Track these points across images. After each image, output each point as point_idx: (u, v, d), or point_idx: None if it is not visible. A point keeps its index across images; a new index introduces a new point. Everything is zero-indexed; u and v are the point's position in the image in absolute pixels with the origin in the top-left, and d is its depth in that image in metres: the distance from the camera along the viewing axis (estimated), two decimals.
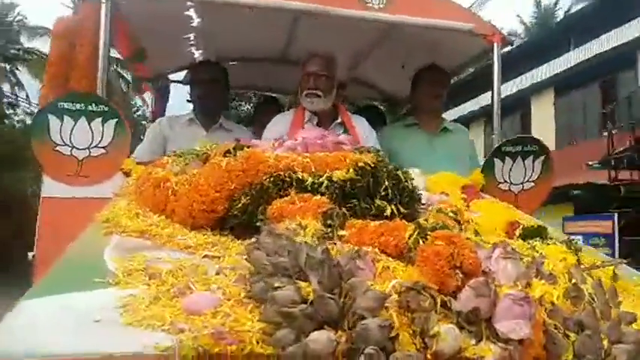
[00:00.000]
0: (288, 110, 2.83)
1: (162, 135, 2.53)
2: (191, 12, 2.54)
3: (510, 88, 12.91)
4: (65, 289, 0.83)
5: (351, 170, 1.19)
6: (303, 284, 0.75)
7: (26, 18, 20.23)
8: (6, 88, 19.01)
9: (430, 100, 2.57)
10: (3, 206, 11.36)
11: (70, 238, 1.18)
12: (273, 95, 4.00)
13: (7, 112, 17.49)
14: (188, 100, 2.70)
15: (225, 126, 2.66)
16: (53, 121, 1.75)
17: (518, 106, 13.31)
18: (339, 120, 2.38)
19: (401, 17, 2.31)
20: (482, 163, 2.40)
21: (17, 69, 19.68)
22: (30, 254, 1.74)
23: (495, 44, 2.43)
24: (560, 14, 18.37)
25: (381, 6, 2.30)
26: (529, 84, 13.61)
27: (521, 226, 1.32)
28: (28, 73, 18.33)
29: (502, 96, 2.59)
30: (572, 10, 15.96)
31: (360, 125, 2.43)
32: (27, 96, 18.72)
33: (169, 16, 2.47)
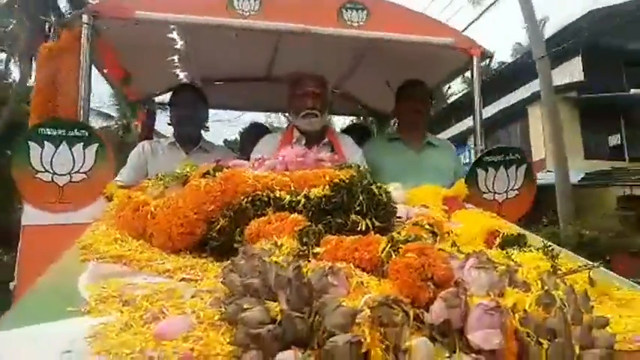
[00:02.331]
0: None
1: (145, 159, 2.55)
2: (174, 35, 2.58)
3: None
4: (34, 320, 0.82)
5: (327, 187, 1.20)
6: (272, 304, 0.74)
7: None
8: None
9: (411, 116, 2.60)
10: None
11: (50, 266, 1.17)
12: (262, 123, 4.02)
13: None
14: (168, 123, 2.72)
15: (205, 147, 2.68)
16: (34, 147, 1.75)
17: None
18: (325, 140, 2.40)
19: (380, 34, 2.35)
20: None
21: None
22: (11, 284, 1.72)
23: (475, 57, 2.47)
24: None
25: (361, 23, 2.34)
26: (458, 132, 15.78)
27: (501, 235, 1.33)
28: None
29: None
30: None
31: (346, 144, 2.44)
32: None
33: (152, 39, 2.50)
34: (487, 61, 2.68)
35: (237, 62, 3.09)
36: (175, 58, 2.90)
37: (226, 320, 0.81)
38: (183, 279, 1.08)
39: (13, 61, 15.57)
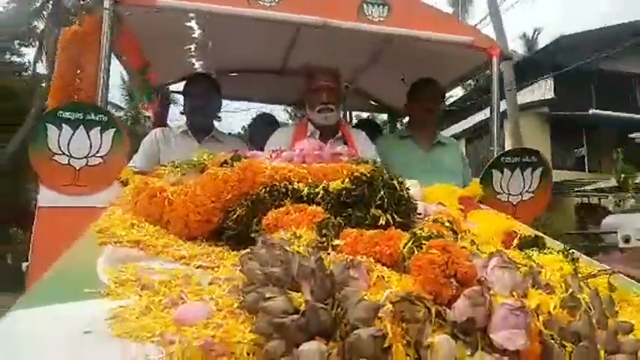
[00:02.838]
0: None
1: (157, 146, 2.57)
2: (192, 23, 2.58)
3: None
4: (55, 300, 0.82)
5: (346, 180, 1.19)
6: (295, 294, 0.74)
7: None
8: None
9: (423, 114, 2.61)
10: None
11: (65, 248, 1.18)
12: (269, 113, 4.02)
13: None
14: (181, 112, 2.73)
15: (217, 137, 2.70)
16: (52, 130, 1.75)
17: None
18: (339, 134, 2.40)
19: (400, 30, 2.33)
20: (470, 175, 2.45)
21: None
22: (24, 264, 1.73)
23: (494, 57, 2.45)
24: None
25: (382, 19, 2.31)
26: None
27: (518, 236, 1.31)
28: None
29: None
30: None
31: (360, 139, 2.45)
32: None
33: (171, 27, 2.50)
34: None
35: (254, 53, 3.08)
36: (192, 46, 2.89)
37: (246, 309, 0.81)
38: (199, 266, 1.08)
39: (40, 61, 16.05)
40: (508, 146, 12.93)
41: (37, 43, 15.81)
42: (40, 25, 16.00)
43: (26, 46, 16.70)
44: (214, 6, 2.10)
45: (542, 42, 18.68)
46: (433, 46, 2.45)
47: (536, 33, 21.00)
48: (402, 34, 2.34)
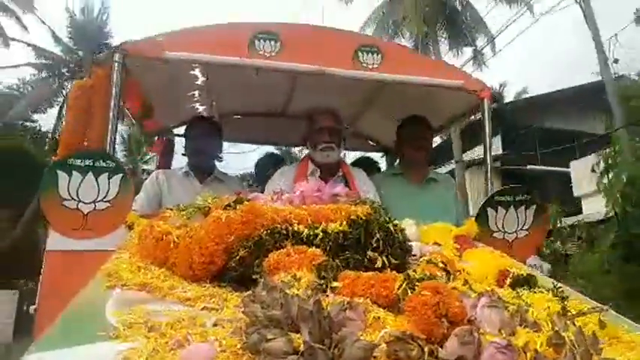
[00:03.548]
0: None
1: (159, 188, 2.64)
2: (196, 72, 2.71)
3: None
4: (66, 344, 0.86)
5: (344, 223, 1.25)
6: (294, 335, 0.78)
7: None
8: None
9: (413, 152, 2.68)
10: None
11: (73, 292, 1.22)
12: (275, 152, 4.13)
13: None
14: (183, 154, 2.83)
15: (219, 177, 2.79)
16: (62, 176, 1.83)
17: None
18: (340, 173, 2.49)
19: (394, 76, 2.45)
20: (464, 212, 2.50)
21: None
22: (32, 308, 1.76)
23: (485, 100, 2.56)
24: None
25: (375, 65, 2.44)
26: None
27: (511, 275, 1.35)
28: None
29: None
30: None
31: (360, 178, 2.53)
32: None
33: (177, 75, 2.63)
34: None
35: (256, 98, 3.21)
36: (196, 93, 3.03)
37: (248, 349, 0.85)
38: (204, 307, 1.13)
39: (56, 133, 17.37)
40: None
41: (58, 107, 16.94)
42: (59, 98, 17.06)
43: (37, 113, 17.90)
44: (218, 57, 2.23)
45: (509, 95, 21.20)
46: (426, 90, 2.57)
47: (502, 87, 22.72)
48: (396, 80, 2.46)
